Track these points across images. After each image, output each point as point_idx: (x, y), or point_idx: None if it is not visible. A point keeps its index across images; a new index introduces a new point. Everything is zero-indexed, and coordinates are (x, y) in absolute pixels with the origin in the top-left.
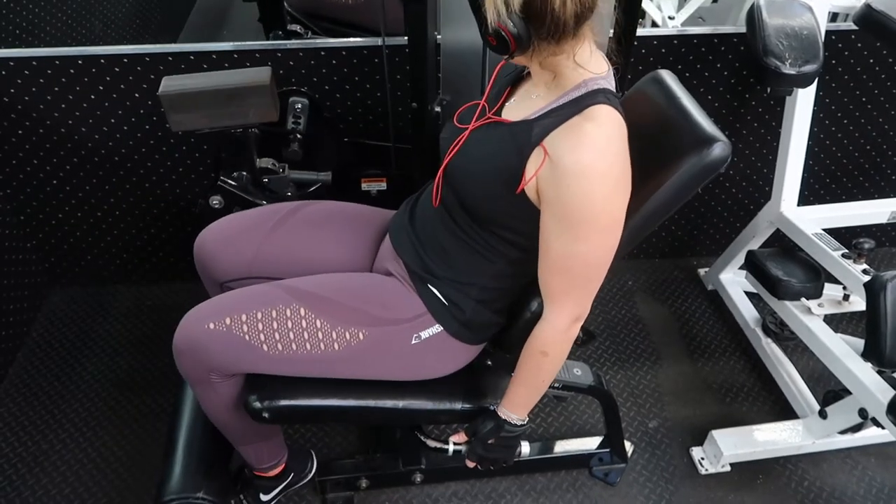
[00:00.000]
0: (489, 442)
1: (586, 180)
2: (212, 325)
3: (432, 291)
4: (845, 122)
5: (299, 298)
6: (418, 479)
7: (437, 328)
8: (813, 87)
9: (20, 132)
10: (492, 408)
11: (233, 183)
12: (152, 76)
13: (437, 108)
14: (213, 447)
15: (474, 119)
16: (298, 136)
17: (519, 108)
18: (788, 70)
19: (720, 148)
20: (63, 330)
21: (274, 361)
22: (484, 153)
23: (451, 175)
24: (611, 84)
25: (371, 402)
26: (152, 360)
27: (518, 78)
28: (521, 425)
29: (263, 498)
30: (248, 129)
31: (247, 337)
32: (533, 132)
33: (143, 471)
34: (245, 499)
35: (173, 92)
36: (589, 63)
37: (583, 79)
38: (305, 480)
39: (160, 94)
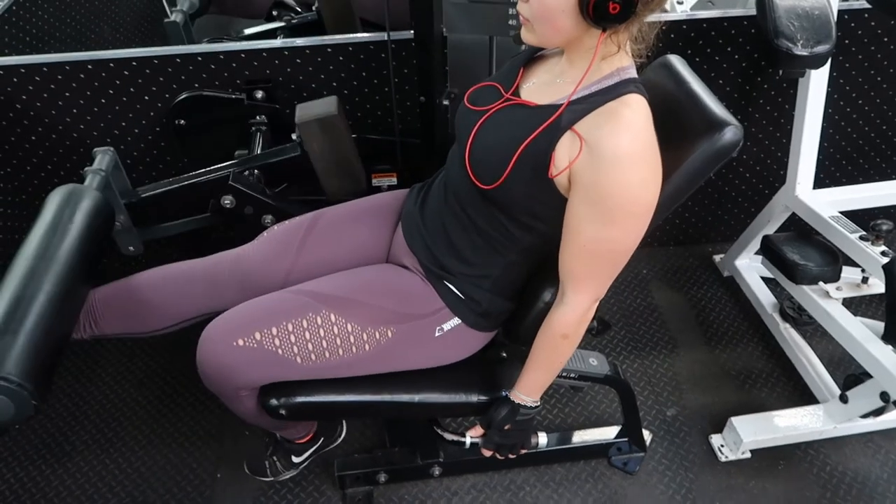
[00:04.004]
0: (506, 428)
1: (624, 165)
2: (241, 342)
3: (449, 287)
4: (860, 102)
5: (326, 303)
6: (437, 473)
7: (457, 321)
8: (826, 68)
9: (33, 138)
10: (504, 394)
11: (244, 182)
12: (161, 78)
13: (446, 102)
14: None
15: (501, 100)
16: None
17: (542, 91)
18: (800, 51)
19: (731, 132)
20: None
21: (305, 371)
22: (507, 136)
23: (471, 160)
24: (636, 75)
25: (387, 397)
26: (169, 360)
27: (529, 60)
28: (535, 407)
29: (296, 460)
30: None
31: (279, 351)
32: (563, 116)
33: (163, 469)
34: (278, 461)
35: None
36: (623, 53)
37: (616, 67)
38: (335, 444)
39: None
